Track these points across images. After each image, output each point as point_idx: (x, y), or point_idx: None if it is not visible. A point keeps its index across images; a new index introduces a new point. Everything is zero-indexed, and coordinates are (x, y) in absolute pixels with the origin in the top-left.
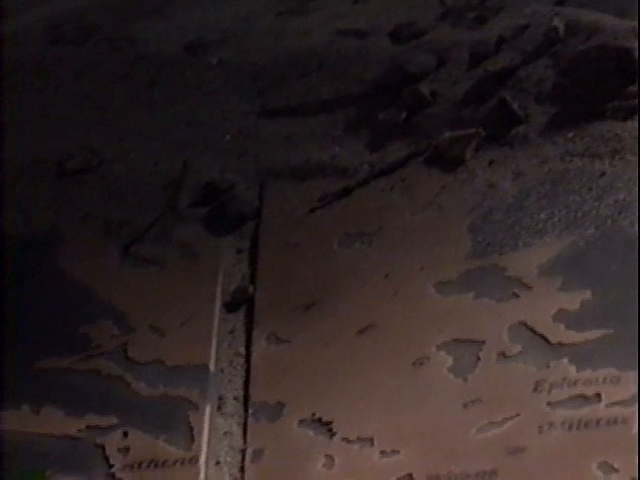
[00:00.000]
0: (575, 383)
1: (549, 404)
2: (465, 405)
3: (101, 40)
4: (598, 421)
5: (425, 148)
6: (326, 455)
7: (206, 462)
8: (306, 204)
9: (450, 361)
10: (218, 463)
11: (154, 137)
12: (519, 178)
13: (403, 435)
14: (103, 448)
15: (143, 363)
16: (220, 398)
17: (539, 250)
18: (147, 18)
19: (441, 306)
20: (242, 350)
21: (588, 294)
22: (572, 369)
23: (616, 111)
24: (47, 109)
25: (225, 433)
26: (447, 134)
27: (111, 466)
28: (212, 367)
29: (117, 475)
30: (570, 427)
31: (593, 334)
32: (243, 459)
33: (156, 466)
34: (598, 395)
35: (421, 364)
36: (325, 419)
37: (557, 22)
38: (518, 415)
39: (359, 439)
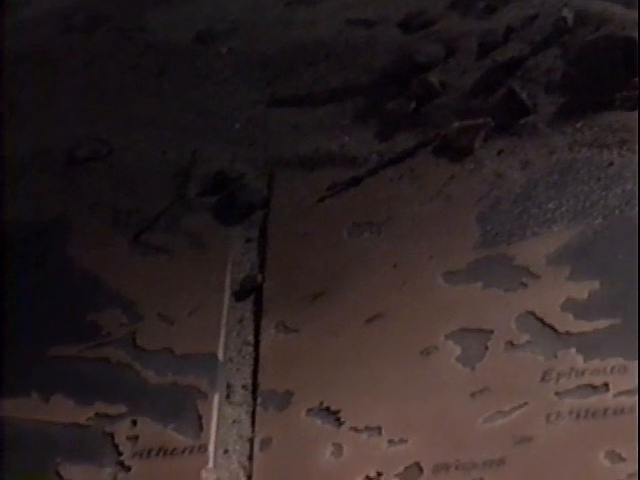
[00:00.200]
0: (583, 373)
1: (557, 394)
2: (473, 394)
3: (111, 29)
4: (605, 410)
5: (434, 138)
6: (334, 444)
7: (214, 450)
8: (315, 193)
9: (458, 350)
10: (226, 451)
11: (163, 126)
12: (527, 168)
13: (411, 424)
14: (112, 436)
15: (152, 351)
16: (229, 387)
17: (547, 240)
18: (157, 8)
19: (449, 296)
20: (251, 339)
21: (596, 284)
22: (580, 359)
23: (624, 101)
24: (57, 98)
25: (234, 422)
26: (456, 124)
27: (120, 454)
28: (221, 356)
29: (126, 463)
30: (578, 416)
31: (601, 324)
32: (251, 448)
33: (165, 454)
34: (606, 385)
35: (429, 353)
36: (333, 408)
37: (566, 12)
38: (526, 404)
39: (367, 428)
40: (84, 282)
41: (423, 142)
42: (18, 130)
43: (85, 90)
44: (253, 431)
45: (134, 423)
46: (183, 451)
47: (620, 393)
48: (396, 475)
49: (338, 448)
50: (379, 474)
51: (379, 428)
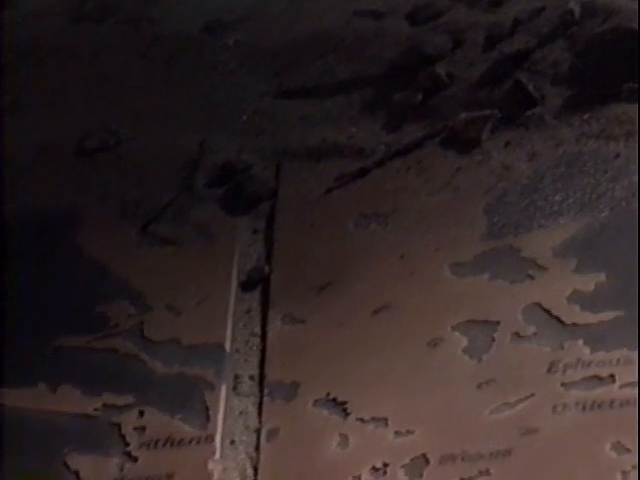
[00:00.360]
0: (589, 364)
1: (563, 385)
2: (479, 386)
3: (120, 20)
4: (612, 402)
5: (441, 129)
6: (341, 435)
7: (221, 441)
8: (322, 185)
9: (465, 342)
10: (233, 442)
11: (171, 117)
12: (534, 160)
13: (417, 415)
14: (119, 427)
15: (159, 342)
16: (236, 378)
17: (554, 232)
18: None
19: (456, 287)
20: (258, 330)
21: (602, 276)
22: (586, 350)
23: (631, 93)
24: (66, 88)
25: (240, 413)
26: (463, 115)
27: (127, 444)
28: (228, 347)
29: (133, 453)
30: (584, 408)
31: (607, 315)
32: (258, 438)
33: (172, 445)
34: (612, 376)
35: (436, 345)
36: (340, 399)
37: (573, 4)
38: (532, 396)
39: (373, 419)
40: (92, 273)
41: (430, 134)
42: (28, 121)
43: (94, 81)
44: (260, 422)
45: (141, 414)
46: (190, 442)
47: (626, 385)
48: (402, 466)
49: (344, 439)
50: (385, 465)
51: (385, 419)
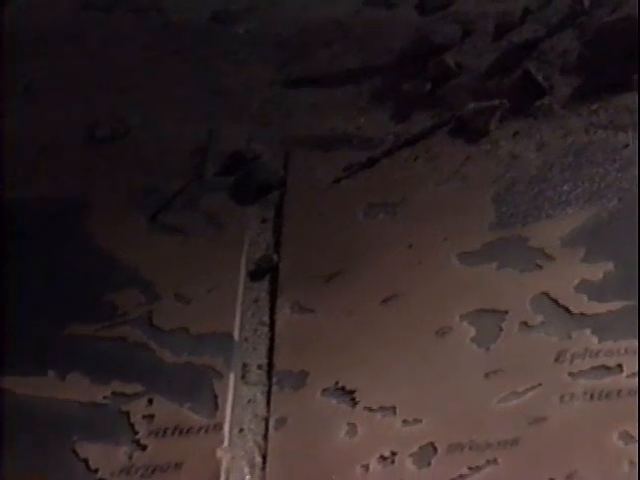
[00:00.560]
0: (597, 354)
1: (571, 374)
2: (487, 375)
3: (129, 9)
4: (619, 391)
5: (450, 119)
6: (349, 423)
7: (230, 430)
8: (331, 174)
9: (473, 331)
10: (242, 431)
11: (181, 106)
12: (543, 149)
13: (425, 404)
14: (128, 415)
15: (168, 331)
16: (244, 366)
17: (562, 221)
18: None
19: (464, 276)
20: (266, 319)
21: (610, 265)
22: (594, 340)
23: None
24: (76, 76)
25: (249, 401)
26: (472, 105)
27: (136, 433)
28: (236, 335)
29: (142, 442)
30: (591, 397)
31: (615, 305)
32: (267, 427)
33: (180, 433)
34: (619, 366)
35: (444, 334)
36: (348, 388)
37: None
38: (540, 385)
39: (382, 408)
40: (101, 261)
41: (439, 123)
42: (37, 109)
43: (103, 70)
44: (268, 411)
45: (150, 402)
46: (199, 430)
47: (633, 374)
48: (410, 455)
49: (353, 428)
50: (393, 454)
51: (394, 408)
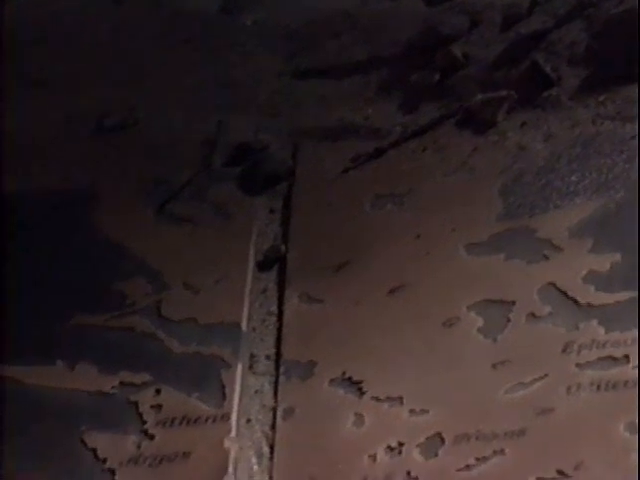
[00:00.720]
0: (604, 345)
1: (578, 365)
2: (494, 366)
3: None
4: (626, 382)
5: (457, 110)
6: (356, 414)
7: (237, 420)
8: (339, 165)
9: (480, 322)
10: (249, 421)
11: (189, 97)
12: (550, 140)
13: (432, 394)
14: (136, 405)
15: (176, 321)
16: (252, 357)
17: (569, 212)
18: None
19: (472, 267)
20: (274, 309)
21: (618, 256)
22: (601, 330)
23: None
24: (86, 67)
25: (256, 391)
26: (479, 96)
27: (144, 422)
28: (244, 326)
29: (150, 431)
30: (598, 388)
31: (622, 296)
32: (274, 417)
33: (188, 423)
34: (626, 357)
35: (451, 324)
36: (355, 378)
37: None
38: (547, 376)
39: (389, 398)
40: (110, 251)
41: (447, 114)
42: (47, 99)
43: (113, 60)
44: (276, 401)
45: (158, 392)
46: (206, 420)
47: None
48: (417, 445)
49: (360, 418)
50: (400, 444)
51: (401, 398)
